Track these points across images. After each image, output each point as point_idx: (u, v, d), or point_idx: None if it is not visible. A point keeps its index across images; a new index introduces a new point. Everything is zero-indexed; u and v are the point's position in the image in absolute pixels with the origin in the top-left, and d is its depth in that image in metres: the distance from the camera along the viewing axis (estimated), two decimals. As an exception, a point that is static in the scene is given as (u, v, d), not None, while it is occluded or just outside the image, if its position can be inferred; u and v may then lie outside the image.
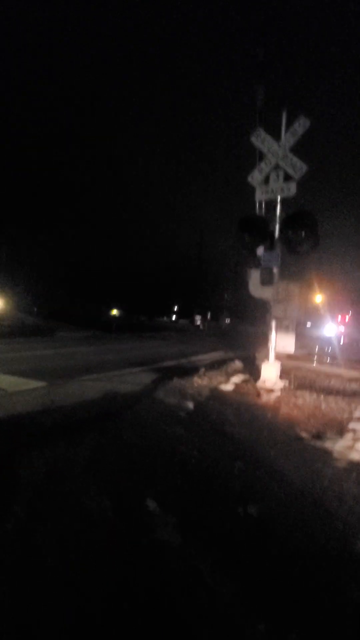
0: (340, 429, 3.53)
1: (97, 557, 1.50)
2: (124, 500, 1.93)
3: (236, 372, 6.69)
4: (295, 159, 4.88)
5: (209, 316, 40.78)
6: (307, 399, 4.81)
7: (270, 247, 5.07)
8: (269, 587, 1.41)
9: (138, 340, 14.96)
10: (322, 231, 5.08)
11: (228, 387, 5.25)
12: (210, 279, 43.19)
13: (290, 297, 5.03)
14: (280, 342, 5.31)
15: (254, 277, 5.23)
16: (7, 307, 17.20)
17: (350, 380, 6.55)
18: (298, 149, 4.93)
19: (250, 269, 5.35)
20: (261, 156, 5.19)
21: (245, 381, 5.74)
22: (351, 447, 3.00)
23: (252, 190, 5.27)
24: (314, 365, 8.77)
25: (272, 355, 5.36)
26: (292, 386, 5.54)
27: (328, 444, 3.09)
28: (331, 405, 4.50)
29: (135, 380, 5.87)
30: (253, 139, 5.19)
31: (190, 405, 4.00)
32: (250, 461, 2.61)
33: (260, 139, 5.13)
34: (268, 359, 5.41)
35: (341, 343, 19.09)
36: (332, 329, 24.77)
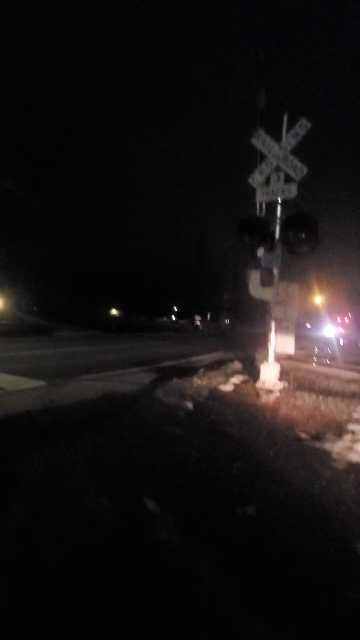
0: (339, 430, 3.54)
1: (97, 557, 1.50)
2: (124, 500, 1.94)
3: (235, 372, 6.69)
4: (296, 161, 4.90)
5: (208, 317, 40.79)
6: (306, 399, 4.81)
7: (270, 248, 5.08)
8: (269, 587, 1.41)
9: (138, 340, 14.96)
10: (322, 232, 5.09)
11: (227, 387, 5.25)
12: (210, 279, 43.22)
13: (290, 298, 5.04)
14: (280, 343, 5.32)
15: (254, 278, 5.23)
16: (7, 307, 17.19)
17: (350, 381, 6.55)
18: (299, 151, 4.95)
19: (250, 270, 5.36)
20: (262, 157, 5.20)
21: (244, 382, 5.74)
22: (350, 448, 3.00)
23: (252, 191, 5.28)
24: (314, 366, 8.78)
25: (271, 356, 5.37)
26: (291, 387, 5.54)
27: (327, 445, 3.10)
28: (330, 407, 4.51)
29: (134, 380, 5.88)
30: (254, 141, 5.20)
31: (190, 405, 4.00)
32: (250, 461, 2.61)
33: (261, 141, 5.14)
34: (267, 360, 5.41)
35: (340, 344, 19.10)
36: (332, 330, 24.80)
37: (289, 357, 8.52)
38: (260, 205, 5.35)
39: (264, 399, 4.76)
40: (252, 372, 6.26)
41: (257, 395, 4.91)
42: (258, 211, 5.37)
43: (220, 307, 41.68)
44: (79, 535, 1.64)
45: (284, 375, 5.87)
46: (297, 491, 2.22)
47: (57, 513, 1.78)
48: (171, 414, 3.65)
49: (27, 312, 18.71)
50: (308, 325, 30.85)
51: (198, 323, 36.90)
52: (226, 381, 5.65)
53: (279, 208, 5.20)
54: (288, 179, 4.96)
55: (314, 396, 5.04)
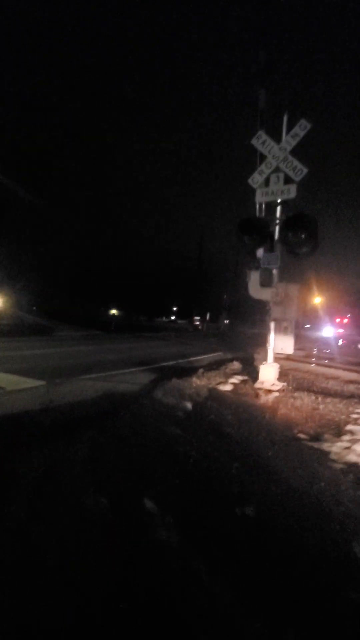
0: (338, 431, 3.55)
1: (97, 557, 1.50)
2: (123, 500, 1.94)
3: (235, 372, 6.70)
4: (295, 162, 4.91)
5: (208, 317, 40.79)
6: (305, 400, 4.82)
7: (270, 248, 5.10)
8: (268, 587, 1.42)
9: (137, 340, 14.96)
10: (322, 233, 5.10)
11: (226, 387, 5.26)
12: (210, 279, 43.22)
13: (289, 298, 5.05)
14: (279, 343, 5.34)
15: (254, 278, 5.25)
16: (7, 306, 17.17)
17: (348, 382, 6.57)
18: (298, 151, 4.96)
19: (250, 270, 5.37)
20: (262, 158, 5.21)
21: (243, 382, 5.75)
22: (348, 449, 3.01)
23: (252, 192, 5.29)
24: (312, 366, 8.79)
25: (270, 356, 5.38)
26: (290, 387, 5.56)
27: (325, 446, 3.11)
28: (329, 407, 4.52)
29: (134, 380, 5.88)
30: (254, 142, 5.21)
31: (189, 405, 4.01)
32: (249, 462, 2.62)
33: (261, 141, 5.15)
34: (266, 360, 5.43)
35: (339, 345, 19.13)
36: (331, 330, 24.84)
37: (288, 358, 8.55)
38: (260, 205, 5.36)
39: (263, 399, 4.77)
40: (251, 372, 6.27)
41: (256, 395, 4.92)
42: (258, 212, 5.38)
43: (220, 308, 41.68)
44: (78, 535, 1.64)
45: (283, 375, 5.89)
46: (296, 491, 2.23)
47: (56, 513, 1.79)
48: (170, 414, 3.65)
49: (27, 312, 18.68)
50: (307, 326, 30.91)
51: (197, 323, 36.90)
52: (225, 381, 5.66)
53: (278, 209, 5.22)
54: (288, 180, 4.97)
55: (312, 396, 5.05)
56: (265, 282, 5.09)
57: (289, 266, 5.52)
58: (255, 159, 5.36)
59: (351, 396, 5.31)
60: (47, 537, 1.60)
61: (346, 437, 3.31)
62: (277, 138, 5.14)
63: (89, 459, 2.42)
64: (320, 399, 4.95)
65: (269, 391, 5.07)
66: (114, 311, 46.37)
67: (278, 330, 5.31)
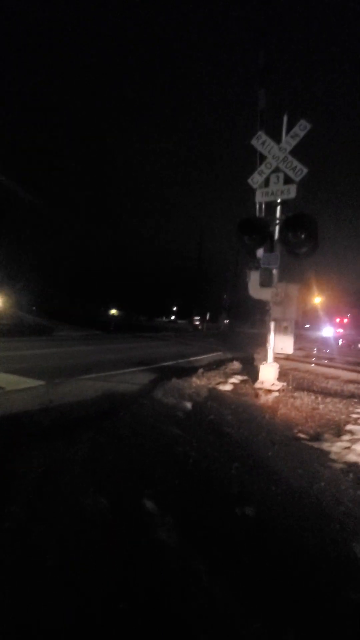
0: (338, 430, 3.55)
1: (97, 557, 1.50)
2: (123, 500, 1.94)
3: (234, 372, 6.71)
4: (295, 162, 4.91)
5: (207, 317, 40.78)
6: (305, 400, 4.83)
7: (270, 248, 5.10)
8: (268, 587, 1.42)
9: (137, 340, 14.96)
10: (322, 233, 5.10)
11: (226, 387, 5.26)
12: (210, 279, 43.23)
13: (289, 298, 5.05)
14: (279, 343, 5.34)
15: (254, 278, 5.25)
16: (6, 306, 17.16)
17: (348, 381, 6.57)
18: (298, 152, 4.96)
19: (249, 270, 5.37)
20: (262, 158, 5.21)
21: (243, 382, 5.76)
22: (348, 449, 3.02)
23: (252, 192, 5.29)
24: (312, 366, 8.80)
25: (270, 356, 5.39)
26: (290, 387, 5.56)
27: (325, 445, 3.11)
28: (329, 407, 4.52)
29: (133, 380, 5.88)
30: (254, 142, 5.21)
31: (189, 405, 4.01)
32: (248, 462, 2.62)
33: (261, 142, 5.16)
34: (266, 360, 5.43)
35: (339, 344, 19.14)
36: (330, 330, 24.87)
37: (287, 358, 8.56)
38: (260, 205, 5.37)
39: (263, 399, 4.77)
40: (251, 372, 6.27)
41: (256, 395, 4.92)
42: (258, 212, 5.39)
43: (220, 308, 41.68)
44: (78, 535, 1.64)
45: (282, 375, 5.89)
46: (295, 491, 2.23)
47: (56, 513, 1.79)
48: (170, 414, 3.65)
49: (27, 312, 18.67)
50: (307, 326, 30.93)
51: (197, 323, 36.89)
52: (225, 381, 5.66)
53: (278, 209, 5.22)
54: (287, 180, 4.98)
55: (312, 396, 5.05)
56: (265, 282, 5.09)
57: (288, 266, 5.53)
58: (255, 159, 5.36)
59: (351, 396, 5.31)
60: (47, 537, 1.60)
61: (346, 437, 3.31)
62: (277, 138, 5.14)
63: (89, 459, 2.42)
64: (320, 398, 4.95)
65: (269, 391, 5.07)
66: (113, 311, 46.37)
67: (278, 330, 5.31)
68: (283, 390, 5.26)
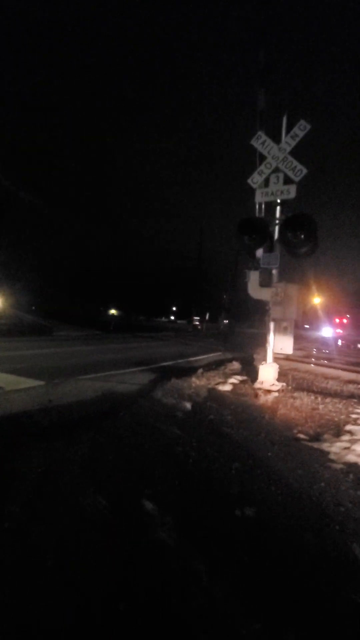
0: (337, 431, 3.55)
1: (97, 557, 1.50)
2: (123, 500, 1.94)
3: (234, 373, 6.71)
4: (295, 162, 4.91)
5: (207, 317, 40.77)
6: (304, 400, 4.83)
7: (269, 249, 5.10)
8: (268, 588, 1.42)
9: (136, 340, 14.95)
10: (321, 234, 5.11)
11: (226, 387, 5.26)
12: (210, 279, 43.20)
13: (288, 298, 5.05)
14: (279, 343, 5.34)
15: (253, 278, 5.25)
16: (6, 306, 17.15)
17: (348, 382, 6.58)
18: (298, 152, 4.96)
19: (249, 271, 5.38)
20: (261, 158, 5.22)
21: (243, 382, 5.76)
22: (348, 449, 3.02)
23: (252, 192, 5.29)
24: (312, 366, 8.80)
25: (270, 356, 5.39)
26: (289, 387, 5.56)
27: (325, 446, 3.11)
28: (328, 407, 4.53)
29: (133, 380, 5.88)
30: (253, 142, 5.21)
31: (188, 405, 4.01)
32: (248, 462, 2.62)
33: (261, 142, 5.16)
34: (266, 360, 5.43)
35: (338, 345, 19.16)
36: (330, 330, 24.90)
37: (287, 358, 8.56)
38: (260, 206, 5.37)
39: (263, 399, 4.78)
40: (251, 373, 6.28)
41: (256, 395, 4.92)
42: (257, 212, 5.39)
43: (219, 308, 41.66)
44: (78, 535, 1.64)
45: (282, 375, 5.89)
46: (295, 492, 2.23)
47: (56, 513, 1.79)
48: (170, 414, 3.65)
49: (26, 312, 18.67)
50: (306, 326, 30.95)
51: (197, 323, 36.89)
52: (225, 381, 5.66)
53: (278, 209, 5.22)
54: (287, 180, 4.98)
55: (312, 397, 5.06)
56: (265, 282, 5.10)
57: (288, 266, 5.53)
58: (254, 159, 5.37)
59: (350, 396, 5.31)
60: (46, 537, 1.60)
61: (345, 437, 3.32)
62: (277, 139, 5.15)
63: (89, 459, 2.42)
64: (319, 399, 4.95)
65: (269, 391, 5.07)
66: (113, 311, 46.40)
67: (277, 330, 5.32)
68: (283, 390, 5.27)
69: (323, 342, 19.94)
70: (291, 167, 4.92)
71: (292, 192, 4.94)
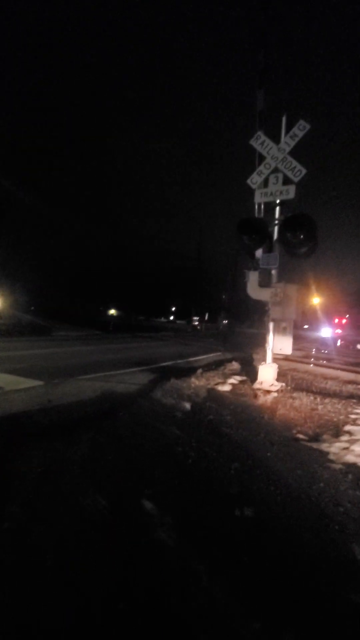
0: (337, 431, 3.56)
1: (97, 557, 1.51)
2: (123, 500, 1.94)
3: (233, 373, 6.71)
4: (294, 162, 4.92)
5: (206, 317, 40.79)
6: (303, 400, 4.84)
7: (269, 249, 5.10)
8: (268, 588, 1.42)
9: (136, 341, 14.95)
10: (321, 234, 5.11)
11: (225, 388, 5.27)
12: (209, 280, 43.18)
13: (288, 299, 5.06)
14: (278, 343, 5.35)
15: (253, 278, 5.26)
16: (5, 306, 17.14)
17: (347, 382, 6.59)
18: (297, 152, 4.97)
19: (249, 271, 5.38)
20: (261, 159, 5.22)
21: (242, 382, 5.76)
22: (347, 449, 3.02)
23: (251, 192, 5.29)
24: (311, 367, 8.81)
25: (269, 356, 5.39)
26: (289, 387, 5.57)
27: (324, 446, 3.11)
28: (327, 407, 4.53)
29: (132, 380, 5.88)
30: (253, 142, 5.22)
31: (188, 405, 4.01)
32: (247, 462, 2.63)
33: (260, 142, 5.16)
34: (265, 361, 5.43)
35: (338, 345, 19.18)
36: (329, 331, 24.93)
37: (286, 358, 8.57)
38: (259, 206, 5.37)
39: (262, 399, 4.78)
40: (250, 373, 6.28)
41: (255, 395, 4.92)
42: (257, 212, 5.39)
43: (219, 308, 41.67)
44: (78, 535, 1.64)
45: (281, 375, 5.90)
46: (294, 492, 2.23)
47: (56, 513, 1.79)
48: (169, 414, 3.66)
49: (25, 312, 18.67)
50: (306, 326, 30.99)
51: (196, 323, 36.91)
52: (224, 382, 5.66)
53: (277, 209, 5.23)
54: (287, 181, 4.98)
55: (311, 397, 5.06)
56: (264, 283, 5.10)
57: (287, 266, 5.54)
58: (254, 159, 5.37)
59: (350, 396, 5.32)
60: (46, 537, 1.60)
61: (345, 438, 3.32)
62: (276, 139, 5.15)
63: (88, 459, 2.42)
64: (318, 399, 4.96)
65: (268, 391, 5.08)
66: (112, 311, 46.41)
67: (277, 330, 5.32)
68: (282, 390, 5.27)
69: (322, 342, 19.96)
70: (290, 167, 4.92)
71: (291, 192, 4.94)
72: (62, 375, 5.71)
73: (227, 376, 6.23)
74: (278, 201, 5.13)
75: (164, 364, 8.24)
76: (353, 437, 3.31)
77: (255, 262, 5.26)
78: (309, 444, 3.18)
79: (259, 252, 5.18)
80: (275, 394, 5.02)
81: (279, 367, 5.75)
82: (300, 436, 3.39)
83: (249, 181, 5.24)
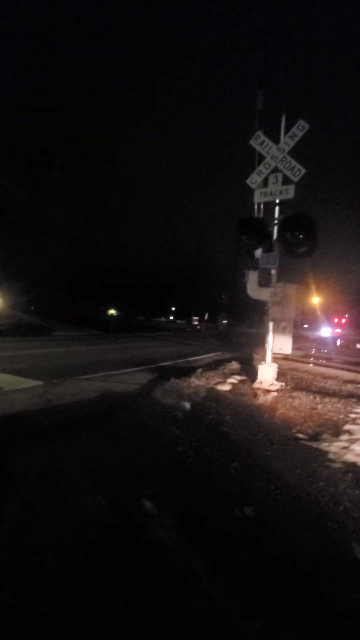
0: (336, 430, 3.56)
1: (97, 557, 1.51)
2: (122, 500, 1.94)
3: (233, 372, 6.71)
4: (294, 162, 4.92)
5: (206, 317, 40.78)
6: (303, 399, 4.84)
7: (268, 248, 5.10)
8: (268, 587, 1.43)
9: (136, 340, 14.95)
10: (321, 234, 5.11)
11: (225, 387, 5.27)
12: (209, 279, 43.18)
13: (287, 298, 5.06)
14: (278, 343, 5.35)
15: (252, 278, 5.26)
16: (5, 306, 17.13)
17: (346, 381, 6.59)
18: (297, 152, 4.97)
19: (248, 270, 5.38)
20: (260, 159, 5.22)
21: (242, 382, 5.76)
22: (347, 449, 3.02)
23: (251, 192, 5.29)
24: (311, 366, 8.81)
25: (269, 356, 5.39)
26: (288, 387, 5.57)
27: (324, 445, 3.12)
28: (327, 407, 4.54)
29: (132, 380, 5.88)
30: (252, 142, 5.21)
31: (187, 405, 4.01)
32: (247, 462, 2.63)
33: (259, 142, 5.16)
34: (265, 360, 5.44)
35: (337, 344, 19.19)
36: (329, 330, 24.94)
37: (286, 358, 8.57)
38: (259, 206, 5.37)
39: (262, 399, 4.78)
40: (250, 372, 6.28)
41: (255, 395, 4.92)
42: (256, 212, 5.39)
43: (219, 308, 41.67)
44: (78, 535, 1.64)
45: (281, 375, 5.90)
46: (294, 491, 2.23)
47: (56, 513, 1.79)
48: (169, 414, 3.65)
49: (25, 312, 18.68)
50: (305, 326, 31.01)
51: (196, 323, 36.93)
52: (224, 381, 5.66)
53: (277, 209, 5.23)
54: (286, 180, 4.98)
55: (311, 396, 5.06)
56: (264, 282, 5.10)
57: (287, 266, 5.53)
58: (254, 159, 5.37)
59: (349, 396, 5.32)
60: (46, 537, 1.60)
61: (344, 437, 3.32)
62: (276, 139, 5.15)
63: (88, 459, 2.42)
64: (318, 398, 4.96)
65: (268, 391, 5.08)
66: (112, 311, 46.41)
67: (276, 330, 5.32)
68: (282, 390, 5.27)
69: (322, 342, 19.96)
70: (290, 167, 4.92)
71: (290, 192, 4.94)
72: (62, 375, 5.71)
73: (226, 376, 6.23)
74: (277, 201, 5.13)
75: (164, 363, 8.25)
76: (353, 436, 3.32)
77: (255, 261, 5.26)
78: (308, 443, 3.18)
79: (258, 252, 5.18)
80: (275, 394, 5.02)
81: (279, 367, 5.75)
82: (300, 435, 3.39)
83: (248, 181, 5.24)
